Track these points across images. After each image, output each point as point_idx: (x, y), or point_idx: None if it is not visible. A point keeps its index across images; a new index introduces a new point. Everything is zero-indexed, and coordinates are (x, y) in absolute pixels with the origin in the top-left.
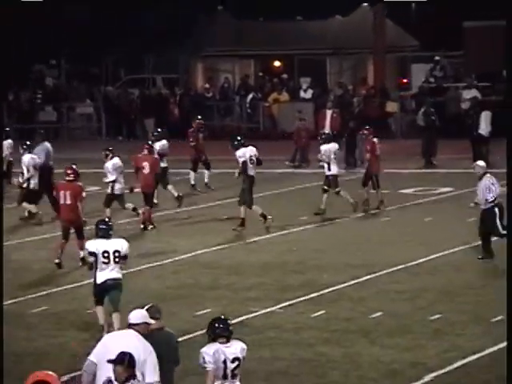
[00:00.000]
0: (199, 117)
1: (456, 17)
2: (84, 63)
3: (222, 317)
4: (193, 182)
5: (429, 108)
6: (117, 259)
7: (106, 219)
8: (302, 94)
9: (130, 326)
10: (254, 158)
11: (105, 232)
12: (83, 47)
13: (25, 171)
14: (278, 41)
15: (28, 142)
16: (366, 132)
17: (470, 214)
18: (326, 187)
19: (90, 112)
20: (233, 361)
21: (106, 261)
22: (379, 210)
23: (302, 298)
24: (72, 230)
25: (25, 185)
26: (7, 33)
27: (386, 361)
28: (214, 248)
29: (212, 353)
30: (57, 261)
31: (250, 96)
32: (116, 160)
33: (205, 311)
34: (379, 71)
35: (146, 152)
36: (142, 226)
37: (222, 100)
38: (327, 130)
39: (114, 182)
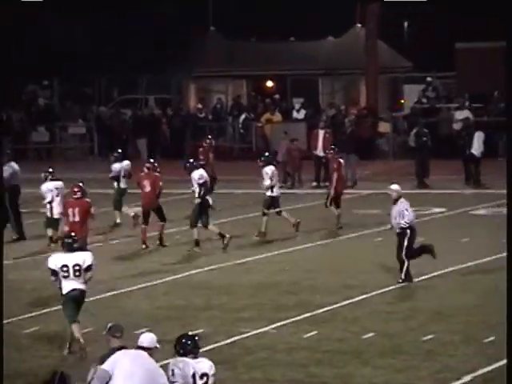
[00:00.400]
0: (209, 136)
1: (448, 38)
2: (77, 83)
3: (190, 333)
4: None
5: (421, 129)
6: (77, 273)
7: (72, 234)
8: (294, 114)
9: (144, 348)
10: (207, 180)
11: (69, 246)
12: (77, 66)
13: None
14: (271, 61)
15: None
16: (331, 152)
17: (462, 235)
18: (278, 210)
19: (83, 132)
20: (201, 376)
21: (65, 274)
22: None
23: (294, 319)
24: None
25: None
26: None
27: (378, 382)
28: (206, 268)
29: (181, 366)
30: None
31: (243, 116)
32: (52, 184)
33: (197, 332)
34: (371, 92)
35: (146, 170)
36: (157, 243)
37: (215, 120)
38: (319, 150)
39: (50, 203)
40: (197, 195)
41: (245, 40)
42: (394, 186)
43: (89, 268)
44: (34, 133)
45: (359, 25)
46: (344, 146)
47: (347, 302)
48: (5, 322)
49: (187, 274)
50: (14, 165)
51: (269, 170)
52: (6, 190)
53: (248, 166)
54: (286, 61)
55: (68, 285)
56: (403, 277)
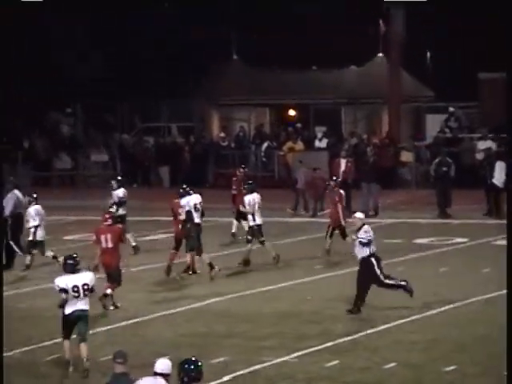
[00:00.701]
0: (243, 166)
1: (471, 68)
2: (99, 111)
3: (194, 359)
4: (234, 231)
5: (444, 158)
6: (86, 292)
7: (74, 255)
8: (317, 143)
9: (162, 375)
10: (198, 206)
11: (72, 267)
12: (98, 95)
13: None
14: (294, 90)
15: None
16: (332, 183)
17: (484, 265)
18: (249, 237)
19: (106, 160)
20: None
21: (76, 295)
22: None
23: (316, 348)
24: None
25: None
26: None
27: None
28: (228, 296)
29: None
30: (111, 307)
31: (265, 145)
32: (38, 206)
33: (219, 360)
34: (394, 121)
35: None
36: (190, 273)
37: (238, 149)
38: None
39: (36, 227)
40: (189, 222)
41: (267, 69)
42: (359, 214)
43: (92, 289)
44: (57, 160)
45: (382, 54)
46: (366, 174)
47: (369, 331)
48: (25, 349)
49: (210, 301)
50: (18, 193)
51: (247, 198)
52: (10, 218)
53: (270, 194)
54: (308, 90)
55: (72, 305)
56: (409, 294)
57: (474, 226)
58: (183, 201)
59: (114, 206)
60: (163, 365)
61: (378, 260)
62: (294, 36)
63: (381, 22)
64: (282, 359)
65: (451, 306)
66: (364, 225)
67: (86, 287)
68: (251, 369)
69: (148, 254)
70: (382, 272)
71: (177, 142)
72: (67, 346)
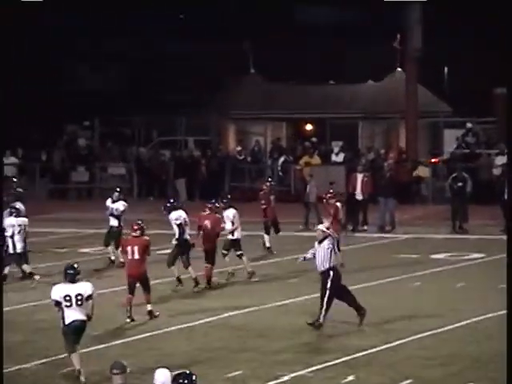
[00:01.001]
0: (269, 179)
1: (489, 83)
2: (116, 124)
3: (188, 372)
4: (268, 245)
5: (460, 173)
6: (79, 302)
7: (75, 265)
8: (333, 157)
9: None
10: (187, 220)
11: (72, 277)
12: (115, 109)
13: None
14: (310, 104)
15: None
16: (328, 195)
17: (501, 281)
18: (240, 252)
19: (122, 173)
20: None
21: (68, 304)
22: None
23: (332, 362)
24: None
25: None
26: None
27: None
28: (244, 310)
29: None
30: (128, 320)
31: (282, 159)
32: (19, 220)
33: (235, 373)
34: (411, 136)
35: (208, 211)
36: (206, 285)
37: (254, 162)
38: (358, 193)
39: (12, 237)
40: (176, 236)
41: (284, 83)
42: (321, 226)
43: (89, 297)
44: (73, 173)
45: (399, 69)
46: (383, 189)
47: (385, 346)
48: (41, 361)
49: (225, 315)
50: (21, 205)
51: (230, 213)
52: None
53: (286, 208)
54: (325, 104)
55: (70, 315)
56: (321, 319)
57: (491, 241)
58: (173, 215)
59: (112, 218)
60: (163, 376)
61: (338, 274)
62: (311, 50)
63: (398, 36)
64: (298, 373)
65: (467, 321)
66: (326, 237)
67: (79, 297)
68: None
69: (165, 267)
70: (331, 289)
71: (193, 156)
72: (75, 358)
